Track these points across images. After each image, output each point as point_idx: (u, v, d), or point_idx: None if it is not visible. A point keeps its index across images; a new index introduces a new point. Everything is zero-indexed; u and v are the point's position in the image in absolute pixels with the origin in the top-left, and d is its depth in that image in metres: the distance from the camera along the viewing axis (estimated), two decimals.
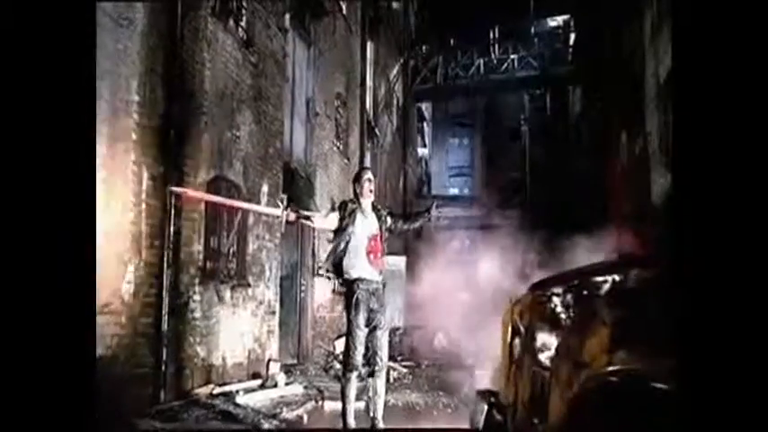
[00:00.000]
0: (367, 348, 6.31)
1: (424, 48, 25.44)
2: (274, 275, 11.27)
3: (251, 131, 10.32)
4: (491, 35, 25.21)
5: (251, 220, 10.34)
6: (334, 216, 6.49)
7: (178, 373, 8.11)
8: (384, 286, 6.53)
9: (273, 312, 11.19)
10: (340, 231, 6.44)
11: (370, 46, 19.21)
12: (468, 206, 30.23)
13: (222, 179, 9.39)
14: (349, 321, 6.33)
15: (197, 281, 8.52)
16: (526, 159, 29.25)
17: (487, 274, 27.66)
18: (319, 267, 13.75)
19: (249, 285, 10.17)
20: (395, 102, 23.55)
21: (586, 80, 22.06)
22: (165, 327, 7.61)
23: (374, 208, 6.65)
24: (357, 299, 6.29)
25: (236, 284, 9.71)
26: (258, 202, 10.66)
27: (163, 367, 7.60)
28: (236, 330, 9.71)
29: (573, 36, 25.27)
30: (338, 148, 15.65)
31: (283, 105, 11.81)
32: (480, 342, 18.44)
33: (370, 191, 6.64)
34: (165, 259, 7.69)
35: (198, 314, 8.54)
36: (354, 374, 6.27)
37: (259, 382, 9.69)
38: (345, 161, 16.03)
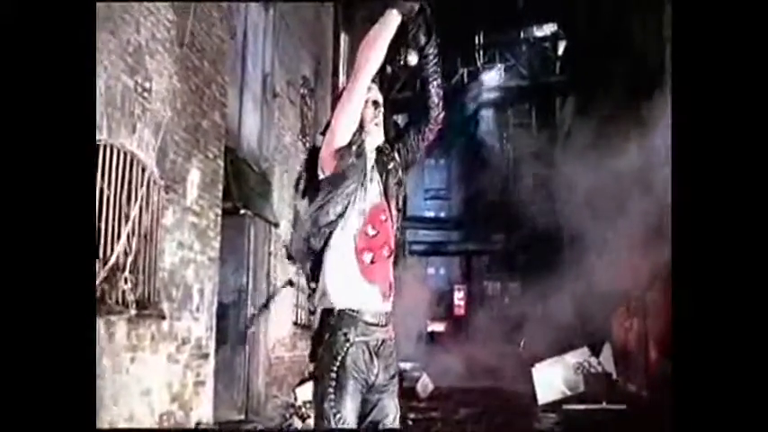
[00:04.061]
0: None
1: (402, 52, 21.94)
2: (208, 302, 7.55)
3: (172, 88, 6.64)
4: (476, 41, 21.87)
5: (170, 217, 6.64)
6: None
7: None
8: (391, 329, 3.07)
9: (206, 355, 7.47)
10: (337, 180, 2.97)
11: (344, 38, 15.71)
12: (446, 230, 27.01)
13: (115, 149, 5.69)
14: (322, 413, 2.83)
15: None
16: (509, 180, 25.98)
17: (468, 306, 24.60)
18: (270, 298, 10.04)
19: (163, 317, 6.43)
20: None
21: (586, 82, 18.94)
22: None
23: (379, 155, 3.16)
24: (342, 363, 2.85)
25: (139, 315, 5.95)
26: (183, 196, 6.97)
27: None
28: (138, 387, 5.96)
29: (562, 45, 22.18)
30: (304, 144, 11.98)
31: (227, 67, 8.15)
32: (472, 386, 15.41)
33: (377, 123, 3.15)
34: None
35: None
36: None
37: None
38: None
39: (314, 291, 3.02)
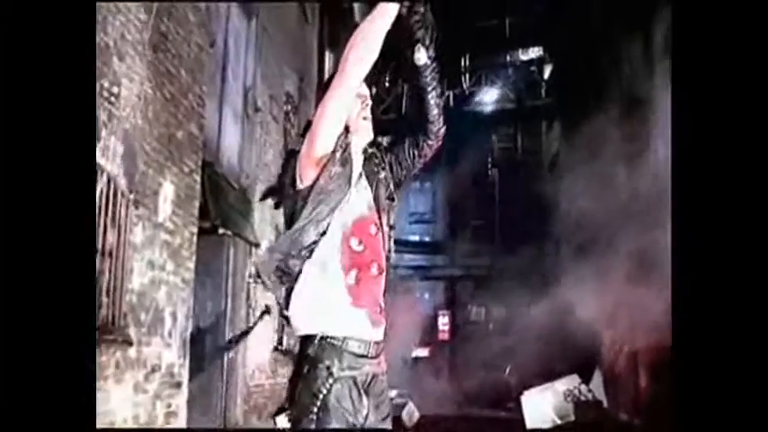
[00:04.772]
0: None
1: (387, 73, 21.44)
2: (181, 327, 6.94)
3: (144, 95, 6.07)
4: (462, 65, 21.44)
5: (139, 234, 6.05)
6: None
7: None
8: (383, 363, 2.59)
9: (178, 384, 6.85)
10: (319, 194, 2.46)
11: (329, 56, 15.24)
12: (430, 254, 26.44)
13: None
14: None
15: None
16: (495, 205, 25.53)
17: (453, 331, 24.02)
18: (246, 329, 9.35)
19: (129, 343, 5.82)
20: None
21: (573, 105, 18.59)
22: None
23: (369, 160, 2.69)
24: (325, 402, 2.33)
25: (101, 340, 5.34)
26: (155, 212, 6.40)
27: None
28: (99, 420, 5.33)
29: (548, 68, 21.85)
30: None
31: (205, 77, 7.59)
32: (459, 414, 14.79)
33: (365, 117, 2.68)
34: None
35: None
36: None
37: None
38: None
39: (288, 319, 2.47)
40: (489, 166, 26.38)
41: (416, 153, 2.71)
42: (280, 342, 10.71)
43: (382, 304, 2.53)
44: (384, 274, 2.55)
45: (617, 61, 15.46)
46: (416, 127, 2.74)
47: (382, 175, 2.65)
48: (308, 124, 2.59)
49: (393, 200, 2.68)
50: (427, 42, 2.55)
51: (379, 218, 2.58)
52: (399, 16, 2.44)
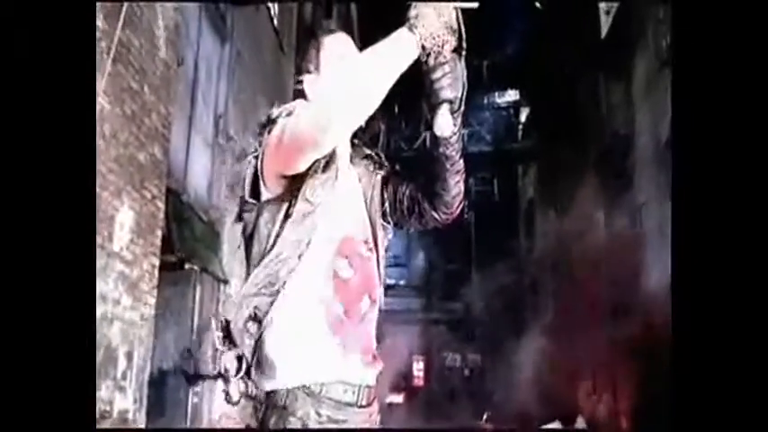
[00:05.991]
0: None
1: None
2: (138, 368, 6.20)
3: (101, 110, 5.43)
4: None
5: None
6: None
7: None
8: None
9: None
10: (291, 213, 1.81)
11: None
12: (405, 297, 25.83)
13: None
14: None
15: None
16: (471, 249, 25.07)
17: (427, 377, 23.41)
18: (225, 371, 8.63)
19: None
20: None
21: (550, 149, 18.28)
22: None
23: (362, 159, 2.04)
24: None
25: None
26: (110, 239, 5.70)
27: None
28: None
29: (525, 111, 21.67)
30: None
31: (171, 96, 6.95)
32: None
33: None
34: None
35: None
36: None
37: None
38: None
39: (249, 368, 1.79)
40: (466, 209, 26.03)
41: (418, 214, 2.02)
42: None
43: (374, 344, 1.90)
44: (377, 306, 1.95)
45: (595, 103, 15.24)
46: (426, 195, 1.98)
47: (379, 187, 2.02)
48: (273, 120, 1.93)
49: (389, 222, 2.05)
50: (456, 107, 1.81)
51: (374, 237, 1.96)
52: (418, 61, 1.69)
